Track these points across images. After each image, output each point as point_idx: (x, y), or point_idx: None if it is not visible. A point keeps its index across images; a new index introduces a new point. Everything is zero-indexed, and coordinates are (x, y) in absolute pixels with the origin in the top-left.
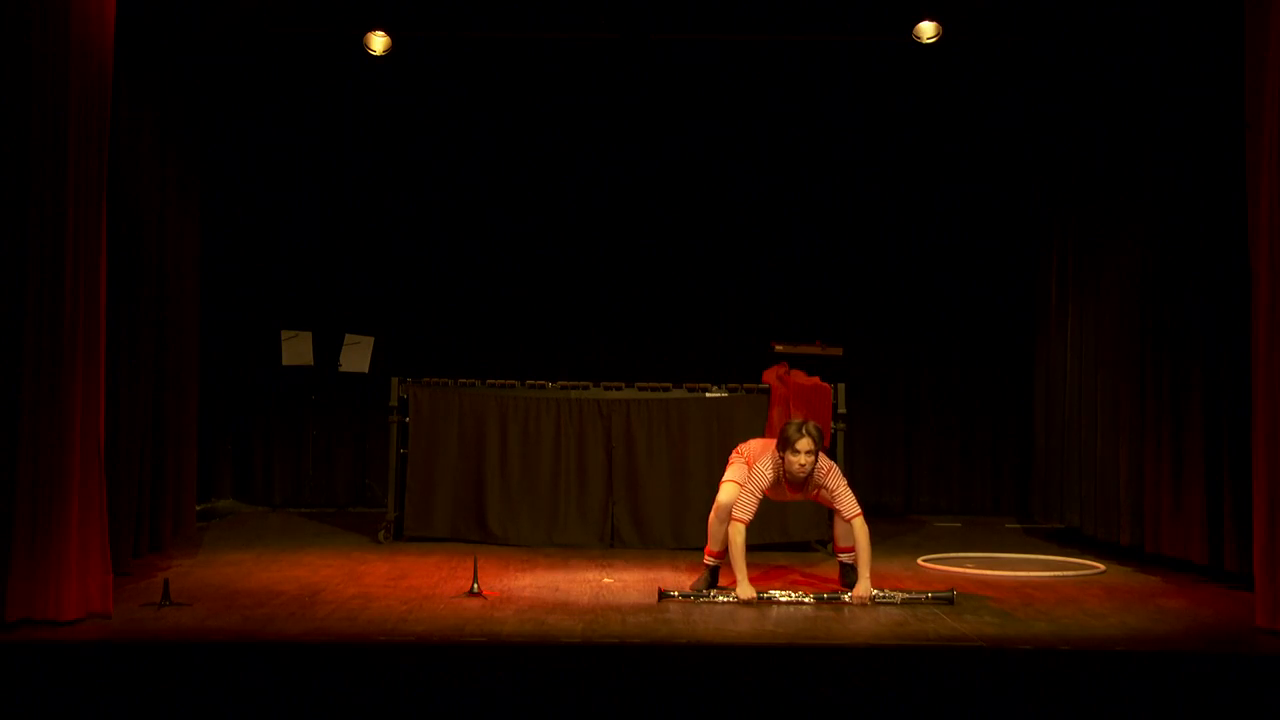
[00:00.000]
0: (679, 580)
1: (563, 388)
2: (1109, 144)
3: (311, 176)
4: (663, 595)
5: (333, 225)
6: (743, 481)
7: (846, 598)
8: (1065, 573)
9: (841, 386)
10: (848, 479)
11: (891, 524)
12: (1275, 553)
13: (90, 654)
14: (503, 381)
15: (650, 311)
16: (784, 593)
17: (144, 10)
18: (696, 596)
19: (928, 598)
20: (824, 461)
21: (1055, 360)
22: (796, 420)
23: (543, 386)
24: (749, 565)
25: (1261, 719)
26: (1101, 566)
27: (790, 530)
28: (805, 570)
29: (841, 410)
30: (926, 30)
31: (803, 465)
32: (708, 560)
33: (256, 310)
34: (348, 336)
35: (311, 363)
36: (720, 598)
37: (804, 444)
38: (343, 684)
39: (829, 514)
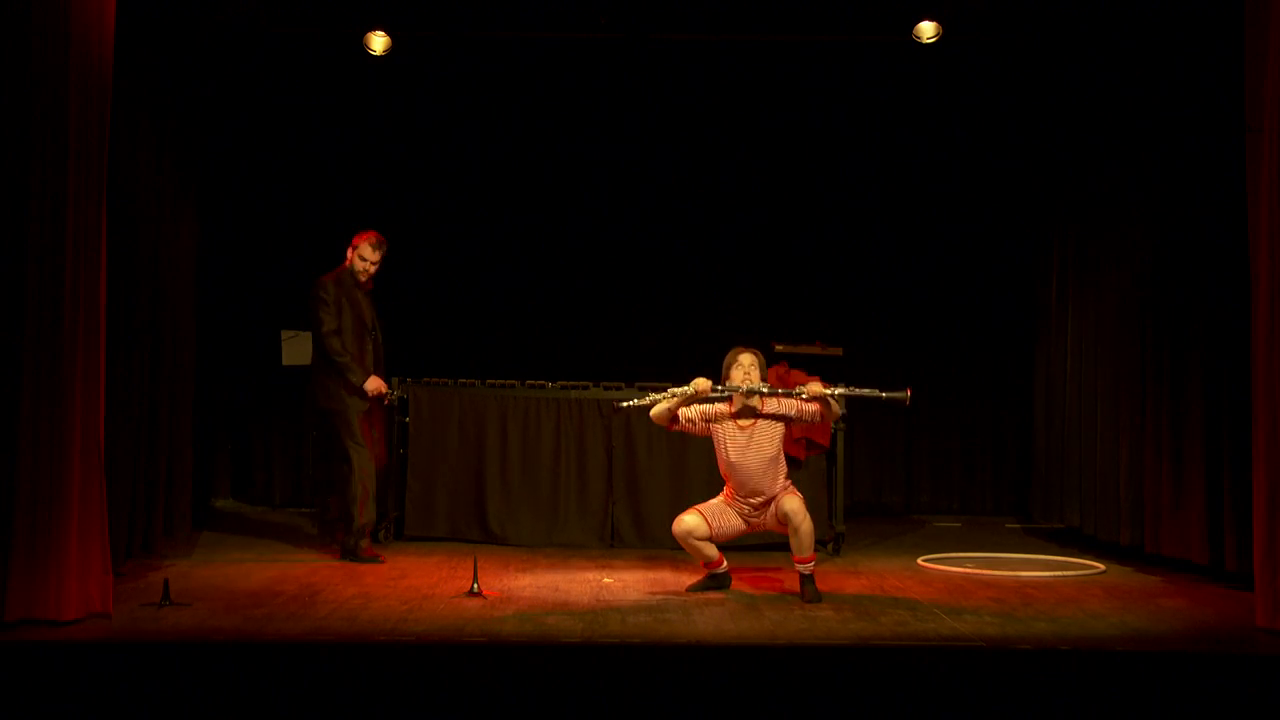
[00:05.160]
0: (679, 580)
1: (563, 388)
2: (1109, 144)
3: (310, 176)
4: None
5: (332, 225)
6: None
7: (802, 393)
8: (1065, 573)
9: None
10: (847, 479)
11: (891, 524)
12: (1275, 553)
13: (90, 654)
14: (503, 381)
15: (650, 311)
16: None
17: (143, 10)
18: (697, 589)
19: (882, 396)
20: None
21: (1055, 360)
22: None
23: (543, 386)
24: (748, 565)
25: (1261, 719)
26: (1101, 566)
27: None
28: None
29: (842, 410)
30: (926, 30)
31: (746, 374)
32: (708, 569)
33: (256, 310)
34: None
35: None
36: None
37: (746, 357)
38: (343, 684)
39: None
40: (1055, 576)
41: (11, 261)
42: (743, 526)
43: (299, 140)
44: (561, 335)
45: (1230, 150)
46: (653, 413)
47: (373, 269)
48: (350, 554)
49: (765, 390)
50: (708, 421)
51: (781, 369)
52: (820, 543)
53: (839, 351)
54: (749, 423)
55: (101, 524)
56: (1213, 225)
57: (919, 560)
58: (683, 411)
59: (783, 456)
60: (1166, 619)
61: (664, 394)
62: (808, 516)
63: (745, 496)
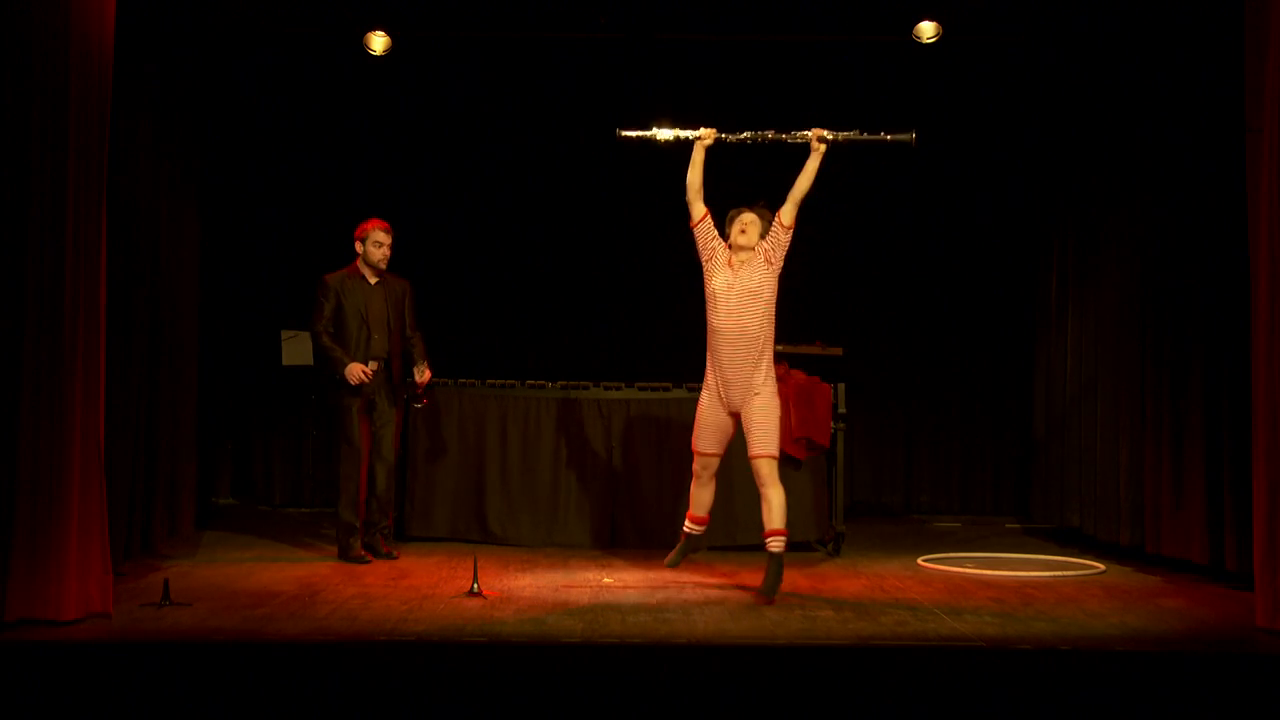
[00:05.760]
0: (679, 580)
1: (563, 388)
2: (1109, 143)
3: (311, 176)
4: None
5: (332, 225)
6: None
7: (804, 135)
8: (1065, 573)
9: (841, 386)
10: (847, 479)
11: (891, 524)
12: (1275, 553)
13: (90, 654)
14: (503, 381)
15: (650, 311)
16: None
17: (143, 10)
18: (676, 559)
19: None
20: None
21: (1055, 360)
22: None
23: (543, 386)
24: (748, 565)
25: (1261, 719)
26: (1101, 566)
27: (791, 530)
28: (805, 570)
29: (841, 410)
30: (926, 30)
31: (744, 230)
32: (687, 527)
33: (256, 310)
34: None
35: (312, 363)
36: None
37: (747, 214)
38: (343, 684)
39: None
40: (1055, 576)
41: (11, 261)
42: (730, 423)
43: (300, 140)
44: (561, 335)
45: (1230, 150)
46: (689, 182)
47: (378, 251)
48: (342, 554)
49: (769, 137)
50: (712, 247)
51: (781, 369)
52: (820, 542)
53: (839, 351)
54: (740, 260)
55: (101, 524)
56: (1213, 225)
57: (919, 560)
58: (706, 221)
59: (771, 325)
60: (1166, 619)
61: (669, 133)
62: (780, 485)
63: (724, 353)
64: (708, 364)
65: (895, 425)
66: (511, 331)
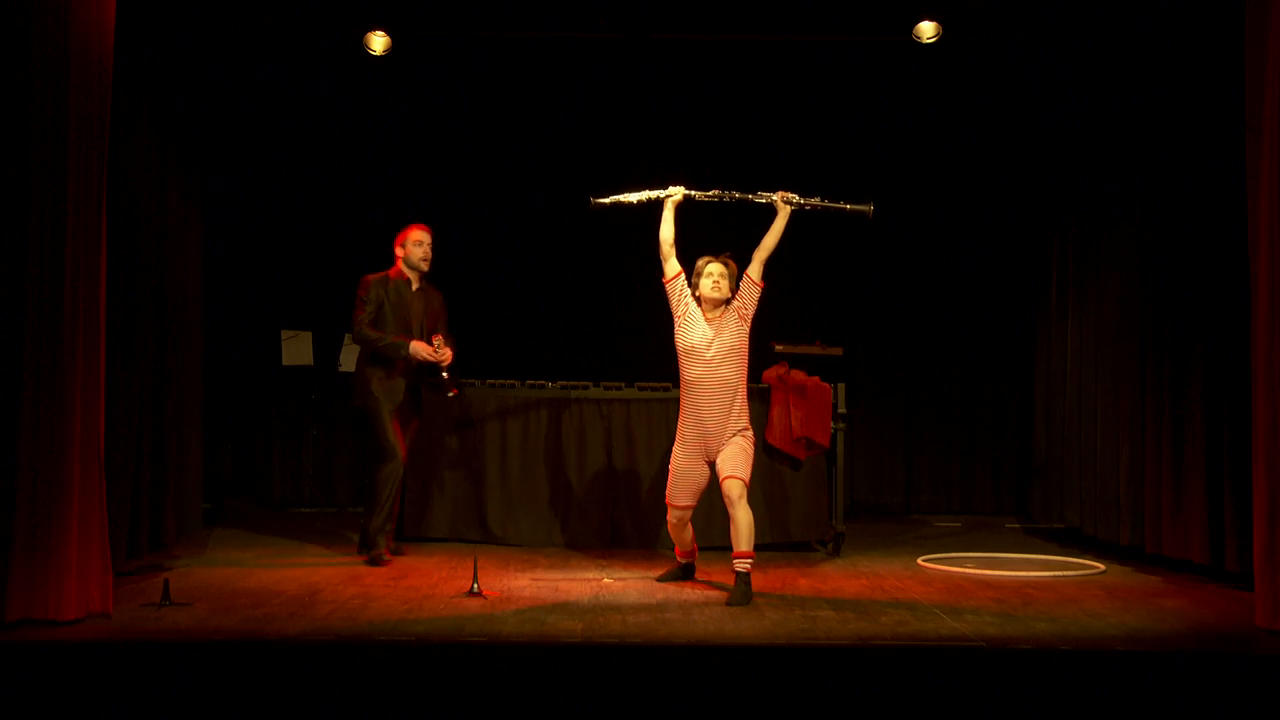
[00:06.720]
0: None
1: (563, 388)
2: (1109, 144)
3: (311, 176)
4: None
5: (333, 225)
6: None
7: (769, 196)
8: (1065, 573)
9: (841, 386)
10: (847, 479)
11: (891, 524)
12: (1275, 553)
13: (90, 654)
14: (503, 381)
15: (650, 311)
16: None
17: (144, 10)
18: (666, 579)
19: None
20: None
21: (1055, 360)
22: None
23: (543, 386)
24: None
25: (1261, 719)
26: (1101, 566)
27: (791, 530)
28: (805, 570)
29: (841, 410)
30: (926, 30)
31: (716, 284)
32: (679, 559)
33: (256, 310)
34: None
35: (311, 363)
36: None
37: (715, 267)
38: (343, 684)
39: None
40: (1055, 576)
41: (12, 262)
42: (706, 470)
43: (300, 140)
44: (561, 335)
45: (1230, 150)
46: (661, 238)
47: (419, 249)
48: (371, 555)
49: (736, 196)
50: (685, 304)
51: (781, 369)
52: (820, 542)
53: (839, 351)
54: (715, 315)
55: (101, 524)
56: (1213, 225)
57: (919, 560)
58: (680, 279)
59: (745, 372)
60: (1166, 619)
61: (639, 195)
62: (748, 507)
63: (704, 405)
64: (682, 417)
65: (895, 425)
66: (511, 331)
